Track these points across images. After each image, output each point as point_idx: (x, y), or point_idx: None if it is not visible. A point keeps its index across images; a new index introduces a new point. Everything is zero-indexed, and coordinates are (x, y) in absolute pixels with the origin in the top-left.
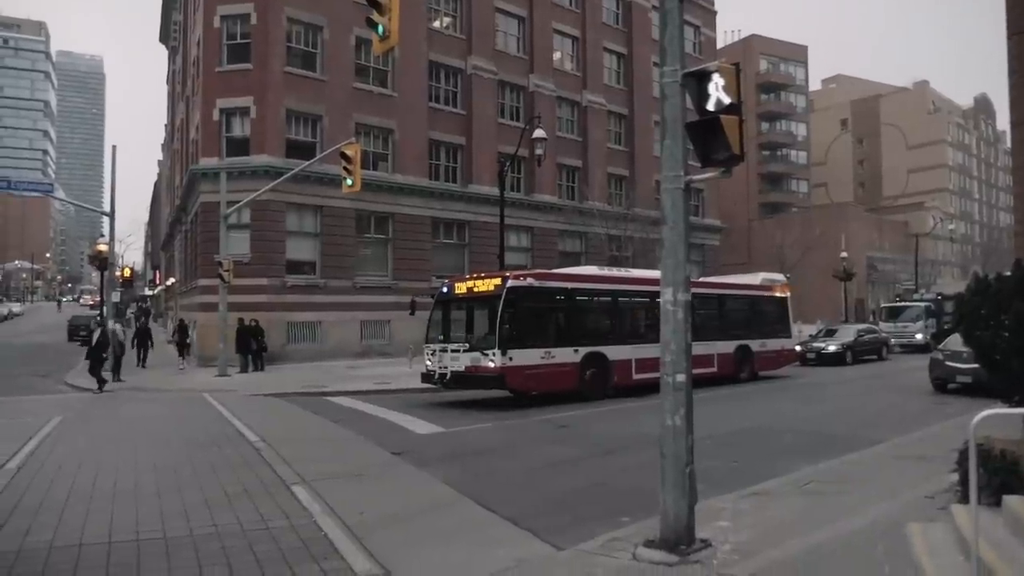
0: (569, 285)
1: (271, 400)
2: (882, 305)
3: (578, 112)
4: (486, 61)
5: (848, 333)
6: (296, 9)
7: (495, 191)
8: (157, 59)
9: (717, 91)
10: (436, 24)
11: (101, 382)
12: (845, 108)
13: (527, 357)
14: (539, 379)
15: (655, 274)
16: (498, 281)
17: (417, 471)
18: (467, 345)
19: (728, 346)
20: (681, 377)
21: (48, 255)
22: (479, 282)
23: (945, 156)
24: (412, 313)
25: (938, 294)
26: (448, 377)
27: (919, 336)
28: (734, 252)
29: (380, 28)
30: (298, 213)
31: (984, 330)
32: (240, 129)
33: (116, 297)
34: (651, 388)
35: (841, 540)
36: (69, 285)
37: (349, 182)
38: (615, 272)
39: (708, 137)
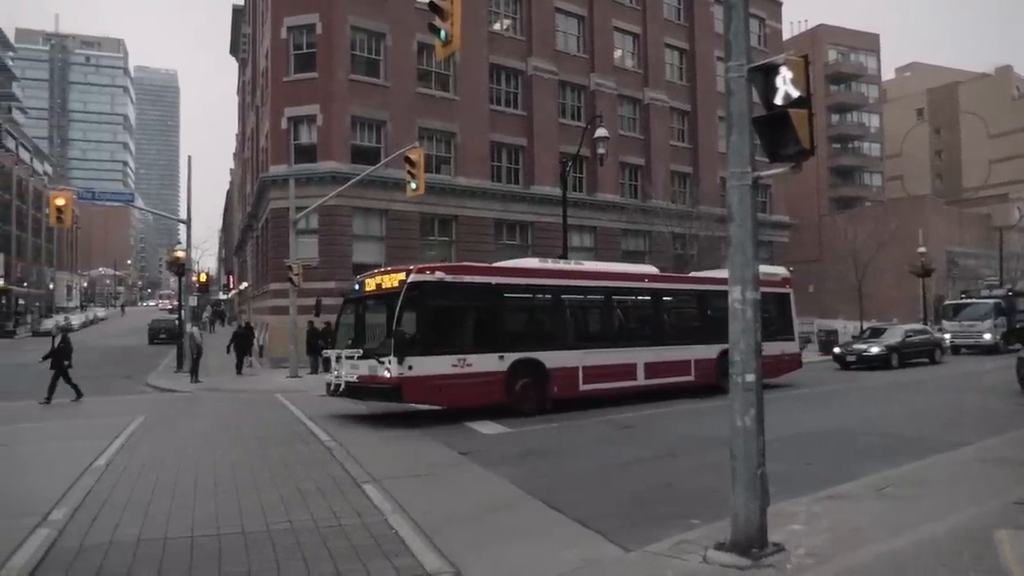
0: (495, 280)
1: (340, 401)
2: (946, 303)
3: (640, 110)
4: (546, 61)
5: (895, 334)
6: (359, 17)
7: (557, 191)
8: (228, 71)
9: (785, 84)
10: (496, 27)
11: (51, 393)
12: (921, 97)
13: (434, 365)
14: (450, 391)
15: (611, 267)
16: (403, 276)
17: (484, 471)
18: (361, 351)
19: (709, 351)
20: (751, 377)
21: (129, 262)
22: (385, 277)
23: None
24: (317, 314)
25: (1009, 289)
26: (342, 388)
27: (987, 336)
28: (804, 249)
29: (443, 33)
30: (364, 217)
31: None
32: (307, 136)
33: (193, 301)
34: (603, 401)
35: (923, 546)
36: (149, 290)
37: (413, 186)
38: (561, 265)
39: (776, 132)
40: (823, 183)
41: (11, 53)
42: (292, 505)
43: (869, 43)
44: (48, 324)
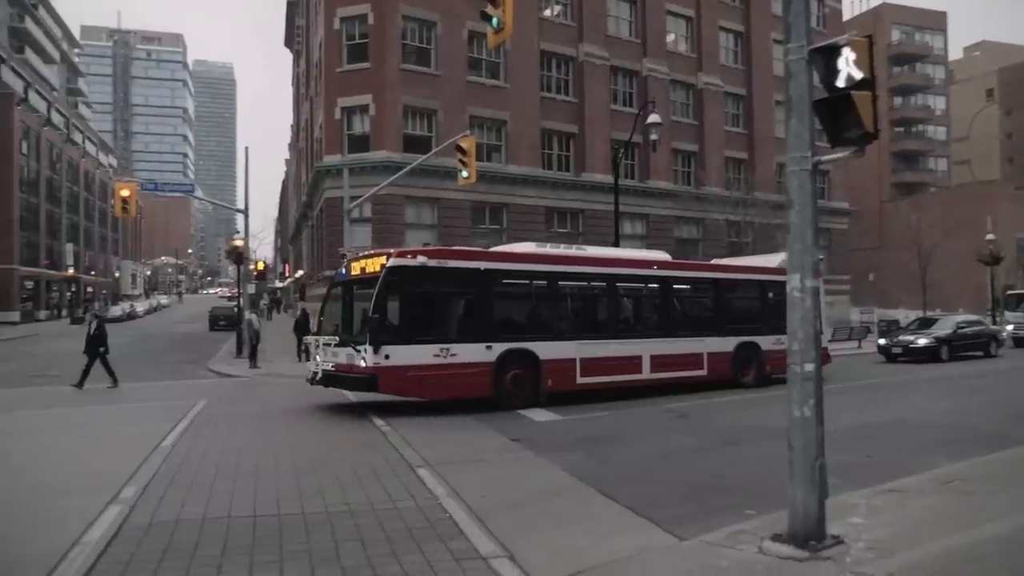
0: (483, 265)
1: None
2: (1008, 292)
3: (693, 95)
4: (598, 47)
5: (946, 325)
6: (410, 7)
7: (609, 179)
8: (283, 63)
9: (847, 66)
10: (547, 13)
11: (84, 378)
12: (991, 77)
13: (413, 355)
14: (431, 383)
15: (616, 253)
16: (383, 260)
17: (536, 457)
18: (337, 339)
19: (725, 343)
20: (810, 367)
21: (190, 251)
22: (369, 261)
23: None
24: (301, 298)
25: None
26: (319, 376)
27: None
28: (864, 236)
29: (495, 21)
30: (416, 206)
31: None
32: (360, 126)
33: (251, 289)
34: (604, 394)
35: (992, 543)
36: (209, 278)
37: (465, 174)
38: (559, 251)
39: (838, 115)
40: (885, 168)
41: (77, 50)
42: (349, 487)
43: (935, 21)
44: (116, 311)
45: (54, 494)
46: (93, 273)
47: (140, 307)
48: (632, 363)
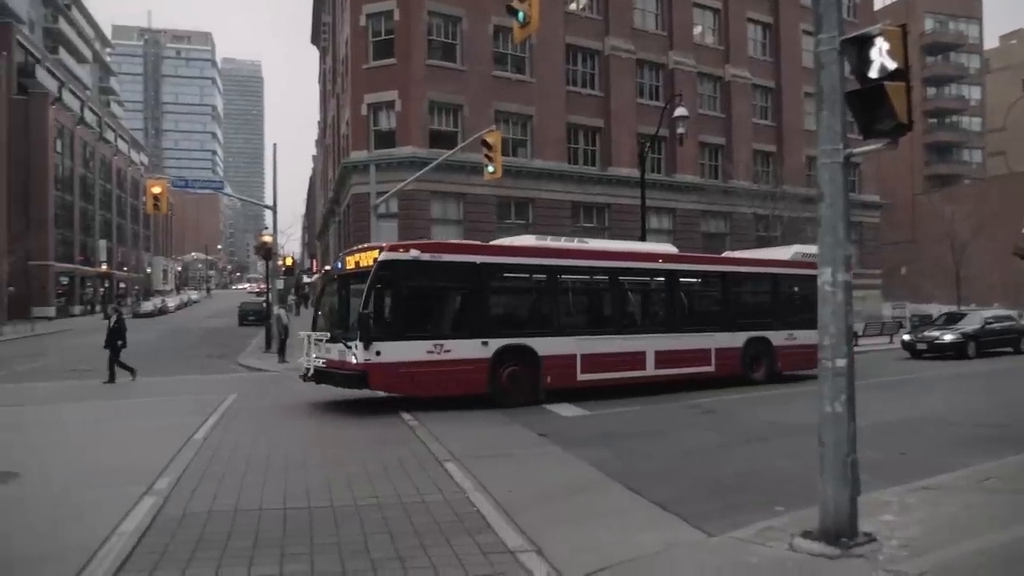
0: (479, 259)
1: None
2: None
3: (721, 87)
4: (624, 41)
5: (973, 320)
6: (436, 2)
7: (635, 173)
8: (309, 60)
9: (881, 56)
10: (572, 7)
11: (113, 373)
12: None
13: (405, 351)
14: (423, 379)
15: (620, 246)
16: (376, 253)
17: (563, 452)
18: (328, 335)
19: (734, 339)
20: (841, 362)
21: (219, 247)
22: (363, 255)
23: None
24: (297, 292)
25: None
26: (311, 373)
27: None
28: (896, 230)
29: (521, 15)
30: (442, 201)
31: None
32: (386, 122)
33: (280, 284)
34: (608, 392)
35: None
36: (238, 274)
37: (491, 169)
38: (560, 244)
39: (871, 106)
40: (917, 160)
41: (109, 49)
42: (377, 480)
43: (970, 9)
44: (147, 307)
45: (91, 485)
46: (125, 269)
47: (171, 302)
48: (636, 359)
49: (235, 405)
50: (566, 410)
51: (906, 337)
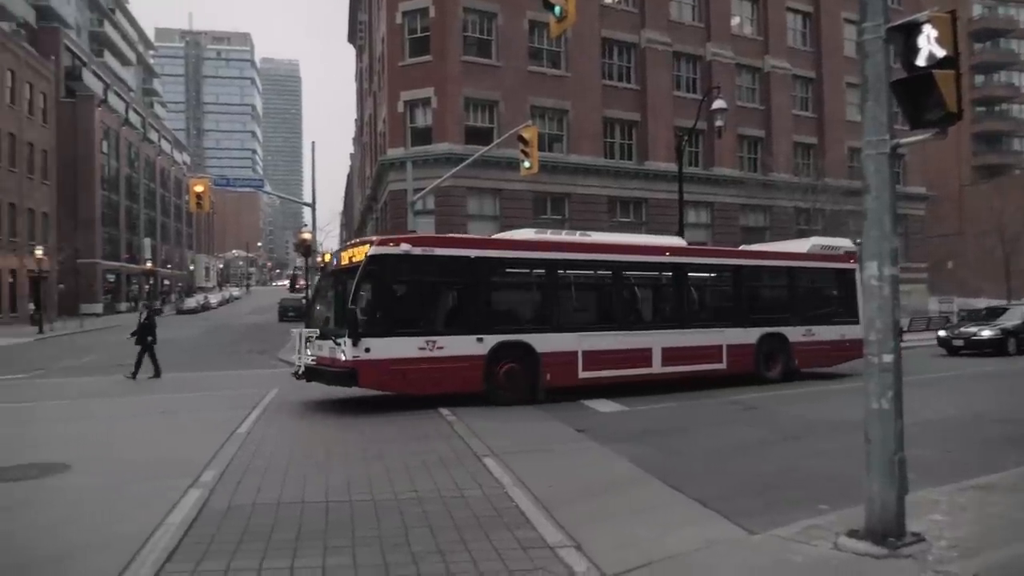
0: (473, 253)
1: None
2: None
3: (760, 79)
4: (660, 33)
5: (1015, 315)
6: None
7: (672, 167)
8: (346, 59)
9: (929, 44)
10: (608, 0)
11: (137, 368)
12: None
13: (396, 348)
14: (415, 377)
15: (624, 239)
16: (367, 248)
17: (601, 448)
18: (318, 331)
19: (746, 335)
20: (888, 357)
21: (259, 244)
22: (356, 250)
23: None
24: (292, 289)
25: None
26: (301, 371)
27: None
28: (943, 222)
29: (557, 9)
30: (478, 197)
31: None
32: (423, 119)
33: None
34: (609, 389)
35: None
36: (278, 271)
37: (527, 165)
38: (560, 237)
39: (918, 96)
40: (965, 151)
41: (152, 52)
42: (417, 475)
43: None
44: (191, 303)
45: (139, 477)
46: (169, 266)
47: (214, 299)
48: (641, 356)
49: (276, 400)
50: (604, 406)
51: (942, 333)
